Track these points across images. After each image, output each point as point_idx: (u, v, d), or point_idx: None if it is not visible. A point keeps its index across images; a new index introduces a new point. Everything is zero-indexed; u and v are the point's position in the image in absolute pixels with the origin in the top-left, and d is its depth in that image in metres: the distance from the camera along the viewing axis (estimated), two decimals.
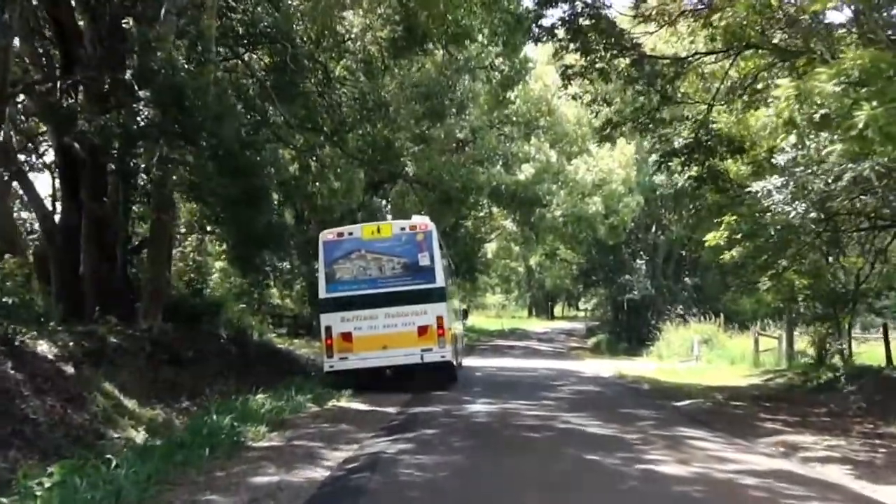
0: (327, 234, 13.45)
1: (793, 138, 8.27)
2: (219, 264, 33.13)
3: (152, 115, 10.90)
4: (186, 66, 11.03)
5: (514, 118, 28.40)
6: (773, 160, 9.93)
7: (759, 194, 8.62)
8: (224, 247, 16.52)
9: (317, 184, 18.45)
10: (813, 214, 9.46)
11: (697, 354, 22.58)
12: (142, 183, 12.13)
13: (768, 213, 10.31)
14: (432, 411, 10.00)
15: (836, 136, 7.00)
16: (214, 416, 7.97)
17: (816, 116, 6.50)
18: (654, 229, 37.18)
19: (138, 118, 10.78)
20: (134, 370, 10.45)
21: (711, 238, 16.08)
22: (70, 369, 8.03)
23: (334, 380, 12.88)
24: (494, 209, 35.11)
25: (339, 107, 13.31)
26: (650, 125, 14.47)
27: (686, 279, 36.73)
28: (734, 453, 7.31)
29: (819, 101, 6.42)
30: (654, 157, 15.01)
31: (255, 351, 15.87)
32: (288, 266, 30.07)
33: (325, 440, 7.74)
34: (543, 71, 29.18)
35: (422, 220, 13.39)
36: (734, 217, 13.48)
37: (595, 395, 13.00)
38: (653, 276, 36.07)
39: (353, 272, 12.90)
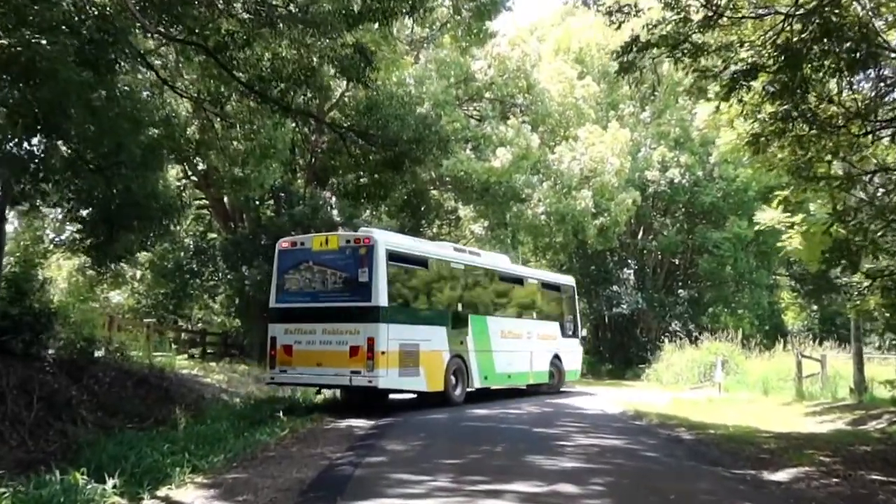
0: (283, 243, 12.98)
1: None
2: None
3: None
4: None
5: (487, 94, 23.55)
6: None
7: None
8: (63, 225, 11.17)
9: (231, 145, 13.32)
10: None
11: (720, 381, 17.81)
12: None
13: None
14: None
15: None
16: None
17: None
18: (642, 233, 32.64)
19: None
20: None
21: (775, 210, 11.39)
22: None
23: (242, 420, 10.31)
24: (461, 212, 30.18)
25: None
26: (688, 51, 9.72)
27: (680, 291, 32.22)
28: None
29: None
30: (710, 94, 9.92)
31: (107, 382, 10.64)
32: (212, 271, 25.01)
33: None
34: (520, 37, 24.53)
35: (367, 234, 12.40)
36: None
37: (627, 460, 7.98)
38: (642, 288, 31.49)
39: (300, 284, 12.46)
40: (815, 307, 34.79)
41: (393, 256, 12.08)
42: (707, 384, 20.67)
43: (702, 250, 30.75)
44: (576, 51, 29.77)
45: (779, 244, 12.04)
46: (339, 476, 6.41)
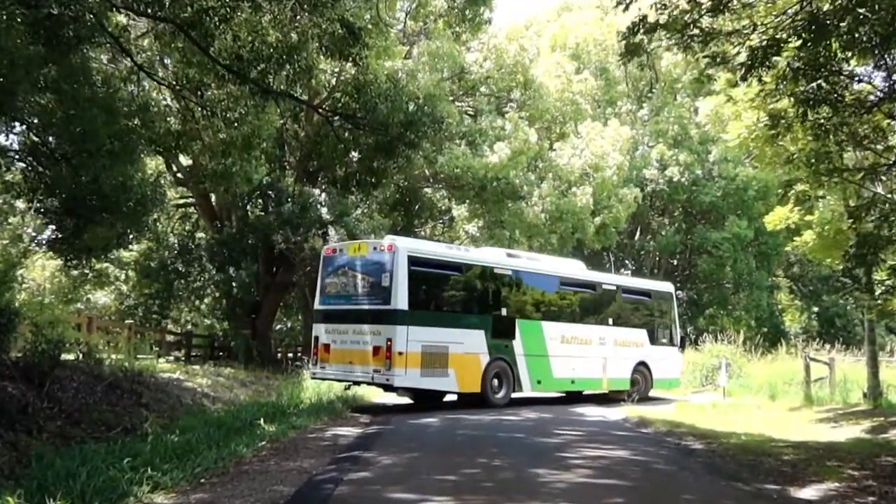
0: (327, 249, 14.19)
1: None
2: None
3: None
4: None
5: (483, 88, 22.82)
6: None
7: None
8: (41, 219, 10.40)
9: (213, 136, 12.56)
10: None
11: (726, 385, 17.15)
12: None
13: None
14: None
15: None
16: None
17: None
18: (639, 234, 31.99)
19: None
20: None
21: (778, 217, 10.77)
22: None
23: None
24: (455, 212, 29.41)
25: None
26: (697, 36, 9.04)
27: (679, 292, 31.56)
28: None
29: None
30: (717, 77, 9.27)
31: (73, 388, 9.82)
32: (198, 271, 24.15)
33: None
34: (517, 32, 23.86)
35: (391, 241, 13.10)
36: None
37: (638, 475, 7.27)
38: None
39: (337, 287, 13.53)
40: (815, 309, 34.19)
41: (417, 262, 12.72)
42: (709, 388, 20.04)
43: (701, 251, 30.16)
44: (572, 46, 29.10)
45: (791, 243, 11.41)
46: (317, 497, 5.66)
